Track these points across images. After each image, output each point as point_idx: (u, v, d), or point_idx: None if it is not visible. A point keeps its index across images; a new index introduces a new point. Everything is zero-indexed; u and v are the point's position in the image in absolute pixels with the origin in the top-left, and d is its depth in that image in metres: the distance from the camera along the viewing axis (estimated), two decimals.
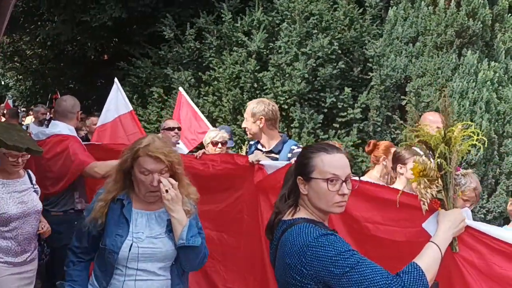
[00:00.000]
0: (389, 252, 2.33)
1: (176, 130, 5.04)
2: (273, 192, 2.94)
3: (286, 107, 6.95)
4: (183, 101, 6.35)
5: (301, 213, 1.87)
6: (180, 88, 6.34)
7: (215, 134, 4.80)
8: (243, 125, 3.69)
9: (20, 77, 17.86)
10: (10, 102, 18.89)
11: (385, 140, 6.82)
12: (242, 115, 7.32)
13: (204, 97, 7.96)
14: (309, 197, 1.84)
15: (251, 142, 3.84)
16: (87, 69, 12.77)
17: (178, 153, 2.50)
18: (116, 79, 5.92)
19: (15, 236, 3.18)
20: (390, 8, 7.43)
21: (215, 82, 7.89)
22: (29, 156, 3.06)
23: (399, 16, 7.20)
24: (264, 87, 7.21)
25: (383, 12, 7.81)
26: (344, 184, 1.81)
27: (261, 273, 3.14)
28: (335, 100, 6.80)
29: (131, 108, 5.49)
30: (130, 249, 2.28)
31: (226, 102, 7.60)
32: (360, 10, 7.53)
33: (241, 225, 3.35)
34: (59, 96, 14.03)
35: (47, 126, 7.24)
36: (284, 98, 6.90)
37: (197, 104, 8.11)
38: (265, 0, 8.00)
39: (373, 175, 3.97)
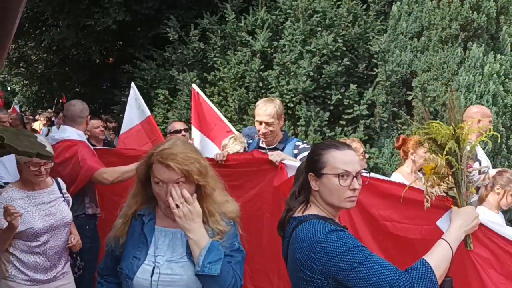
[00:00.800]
0: (405, 250, 2.34)
1: (183, 132, 4.92)
2: None
3: (291, 105, 6.95)
4: (200, 99, 5.78)
5: (312, 210, 1.88)
6: (194, 85, 5.93)
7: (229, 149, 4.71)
8: (271, 129, 3.54)
9: (26, 82, 17.97)
10: (17, 107, 19.01)
11: (392, 136, 6.82)
12: (248, 115, 7.37)
13: (209, 98, 7.95)
14: (320, 193, 1.85)
15: (249, 141, 3.83)
16: (92, 73, 12.83)
17: (204, 161, 2.07)
18: (133, 84, 5.86)
19: (43, 251, 3.00)
20: (393, 3, 7.41)
21: (220, 82, 7.90)
22: (51, 164, 2.95)
23: (403, 11, 7.18)
24: (270, 86, 7.21)
25: (386, 8, 7.79)
26: (355, 179, 1.83)
27: (285, 272, 3.14)
28: (340, 97, 6.79)
29: (149, 114, 5.40)
30: (151, 275, 1.94)
31: (231, 102, 7.61)
32: (364, 6, 7.52)
33: (262, 223, 3.32)
34: (66, 101, 14.12)
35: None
36: (289, 97, 6.90)
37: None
38: None
39: (404, 171, 3.95)
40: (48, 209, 3.05)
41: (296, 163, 3.09)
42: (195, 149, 2.07)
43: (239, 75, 7.58)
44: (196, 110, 5.64)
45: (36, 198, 3.05)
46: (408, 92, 6.80)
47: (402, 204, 2.39)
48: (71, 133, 3.61)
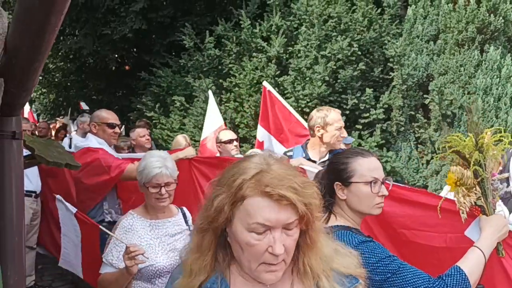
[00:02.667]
0: (427, 258, 2.33)
1: (235, 143, 4.53)
2: None
3: (307, 110, 6.97)
4: (273, 98, 5.27)
5: (336, 220, 1.89)
6: (265, 83, 5.54)
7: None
8: (325, 139, 3.37)
9: (44, 90, 18.23)
10: (34, 115, 19.29)
11: (409, 139, 6.80)
12: None
13: (225, 104, 8.03)
14: (348, 201, 1.87)
15: (288, 153, 3.55)
16: (108, 80, 13.00)
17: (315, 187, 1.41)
18: (210, 92, 5.88)
19: None
20: (408, 7, 7.41)
21: (236, 88, 7.96)
22: (174, 185, 2.59)
23: (418, 15, 7.18)
24: (285, 91, 7.25)
25: (401, 11, 7.79)
26: (382, 185, 1.85)
27: None
28: (356, 101, 6.80)
29: (222, 122, 5.38)
30: None
31: (247, 108, 7.65)
32: (379, 11, 7.53)
33: None
34: (82, 107, 14.29)
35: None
36: (305, 102, 6.93)
37: (218, 110, 8.23)
38: (282, 5, 8.04)
39: None
40: (172, 243, 2.58)
41: (315, 169, 3.11)
42: (293, 168, 1.31)
43: (255, 81, 7.63)
44: (266, 109, 5.24)
45: (159, 228, 2.61)
46: (425, 96, 6.79)
47: (421, 212, 2.40)
48: (92, 141, 3.64)
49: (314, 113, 3.47)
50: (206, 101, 8.07)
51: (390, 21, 7.54)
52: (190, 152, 3.72)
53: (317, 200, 1.26)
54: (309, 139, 3.53)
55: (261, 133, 5.20)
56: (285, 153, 3.58)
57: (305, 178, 1.28)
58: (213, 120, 5.47)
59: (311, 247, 1.30)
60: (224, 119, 7.99)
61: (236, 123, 7.83)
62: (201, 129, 8.34)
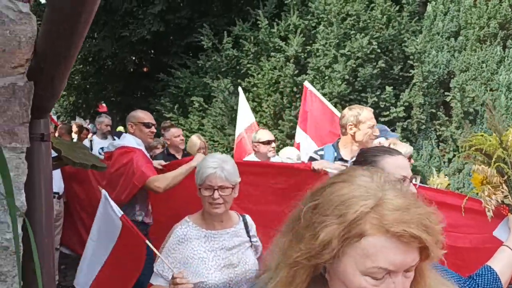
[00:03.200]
0: (452, 259, 2.29)
1: (273, 144, 4.46)
2: None
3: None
4: (313, 98, 5.11)
5: None
6: (306, 83, 5.38)
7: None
8: (358, 137, 3.32)
9: (64, 93, 18.47)
10: (54, 117, 19.57)
11: (430, 137, 6.72)
12: (283, 120, 7.40)
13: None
14: None
15: (319, 153, 3.51)
16: (127, 82, 13.12)
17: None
18: (240, 88, 5.91)
19: None
20: (428, 3, 7.32)
21: (255, 88, 7.96)
22: (231, 191, 2.29)
23: (438, 11, 7.09)
24: None
25: (420, 8, 7.70)
26: (411, 184, 1.83)
27: None
28: (376, 99, 6.75)
29: (254, 119, 5.33)
30: None
31: (266, 108, 7.66)
32: (397, 8, 7.46)
33: None
34: (104, 107, 14.41)
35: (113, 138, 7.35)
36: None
37: (237, 111, 8.24)
38: (300, 4, 8.02)
39: None
40: (228, 257, 2.32)
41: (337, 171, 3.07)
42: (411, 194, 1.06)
43: (273, 81, 7.63)
44: (305, 109, 5.09)
45: (215, 241, 2.33)
46: (446, 93, 6.70)
47: (445, 212, 2.35)
48: (129, 140, 3.63)
49: (346, 111, 3.45)
50: (224, 101, 8.11)
51: (409, 18, 7.46)
52: (199, 160, 3.62)
53: (442, 235, 1.05)
54: (340, 138, 3.52)
55: (299, 134, 5.13)
56: (316, 152, 3.56)
57: (428, 207, 1.03)
58: (244, 117, 5.46)
59: (420, 283, 1.08)
60: None
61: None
62: (219, 129, 8.39)
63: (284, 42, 7.69)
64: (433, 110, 6.78)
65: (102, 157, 4.43)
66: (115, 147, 3.65)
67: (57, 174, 5.03)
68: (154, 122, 3.87)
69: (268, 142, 4.42)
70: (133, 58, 12.04)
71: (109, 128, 7.78)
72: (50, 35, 1.55)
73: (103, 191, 2.98)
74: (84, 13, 1.44)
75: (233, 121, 8.30)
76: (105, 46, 11.37)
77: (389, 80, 7.09)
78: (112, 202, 2.93)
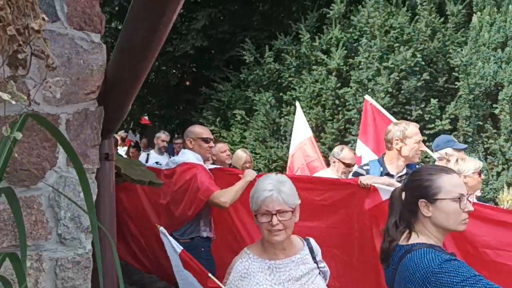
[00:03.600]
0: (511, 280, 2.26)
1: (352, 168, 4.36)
2: (384, 219, 2.89)
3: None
4: (374, 112, 5.06)
5: (418, 238, 1.88)
6: (367, 96, 5.31)
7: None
8: (404, 153, 3.31)
9: None
10: None
11: (478, 150, 6.57)
12: (326, 132, 7.41)
13: (285, 117, 8.11)
14: (433, 218, 1.85)
15: (365, 167, 3.53)
16: (170, 96, 13.43)
17: None
18: (297, 103, 5.78)
19: None
20: (473, 14, 7.20)
21: (296, 102, 8.00)
22: (291, 215, 2.05)
23: (484, 22, 6.95)
24: (347, 104, 7.23)
25: (466, 19, 7.58)
26: (467, 201, 1.84)
27: None
28: (421, 112, 6.67)
29: (311, 134, 5.25)
30: None
31: (308, 121, 7.66)
32: (442, 19, 7.37)
33: (353, 242, 3.26)
34: (148, 121, 14.77)
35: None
36: None
37: (278, 124, 8.33)
38: (341, 17, 8.04)
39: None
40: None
41: (389, 187, 2.99)
42: None
43: (315, 94, 7.66)
44: (366, 122, 5.04)
45: (281, 272, 2.11)
46: (494, 105, 6.55)
47: (506, 232, 2.33)
48: (190, 156, 3.62)
49: (391, 126, 3.45)
50: (266, 114, 8.19)
51: (455, 29, 7.35)
52: (251, 174, 3.52)
53: None
54: (384, 153, 3.51)
55: (359, 147, 5.06)
56: (361, 167, 3.56)
57: None
58: (301, 131, 5.37)
59: None
60: (285, 132, 8.09)
61: None
62: (261, 142, 8.47)
63: (325, 55, 7.72)
64: (480, 123, 6.63)
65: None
66: (175, 164, 3.63)
67: None
68: (212, 137, 3.84)
69: (349, 165, 4.37)
70: (176, 72, 12.33)
71: (165, 143, 7.74)
72: (122, 64, 1.67)
73: (161, 228, 2.99)
74: (153, 43, 1.55)
75: (274, 133, 8.38)
76: None
77: (433, 93, 7.00)
78: (170, 238, 2.93)
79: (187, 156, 3.62)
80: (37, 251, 1.62)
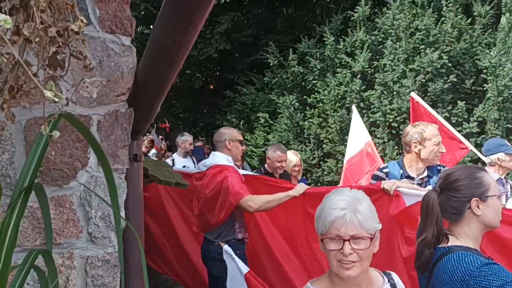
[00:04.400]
0: None
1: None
2: (409, 225, 2.85)
3: (395, 125, 6.85)
4: (421, 110, 4.91)
5: (457, 240, 1.85)
6: (413, 94, 5.11)
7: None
8: (423, 155, 3.24)
9: None
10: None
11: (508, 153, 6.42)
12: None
13: (309, 120, 8.09)
14: (483, 216, 1.81)
15: (384, 170, 3.45)
16: (194, 99, 13.57)
17: None
18: (354, 107, 5.47)
19: None
20: (502, 15, 7.06)
21: (320, 104, 7.99)
22: (369, 243, 1.60)
23: None
24: (372, 106, 7.17)
25: (494, 20, 7.44)
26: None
27: None
28: (448, 115, 6.56)
29: (369, 139, 4.93)
30: None
31: (332, 124, 7.65)
32: (469, 20, 7.25)
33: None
34: (168, 125, 14.94)
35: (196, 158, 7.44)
36: (393, 116, 6.81)
37: (302, 127, 8.32)
38: (366, 20, 7.99)
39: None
40: None
41: (413, 191, 2.95)
42: None
43: (340, 96, 7.63)
44: (415, 121, 4.90)
45: None
46: None
47: None
48: (221, 158, 3.62)
49: (410, 128, 3.37)
50: (290, 117, 8.19)
51: (482, 30, 7.22)
52: (303, 188, 3.42)
53: None
54: (404, 155, 3.45)
55: None
56: (381, 170, 3.50)
57: None
58: (360, 137, 5.00)
59: None
60: (309, 134, 8.07)
61: (321, 139, 7.85)
62: (285, 144, 8.45)
63: (350, 58, 7.68)
64: (509, 125, 6.49)
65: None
66: (207, 167, 3.63)
67: None
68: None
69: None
70: (200, 75, 12.45)
71: (192, 147, 7.50)
72: (151, 67, 1.70)
73: (225, 247, 2.98)
74: (182, 47, 1.57)
75: (298, 136, 8.37)
76: None
77: (461, 95, 6.88)
78: (236, 258, 2.88)
79: (219, 158, 3.62)
80: (69, 249, 1.66)
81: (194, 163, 6.67)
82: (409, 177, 3.27)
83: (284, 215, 3.58)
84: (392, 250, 3.03)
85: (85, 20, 0.88)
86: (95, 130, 1.71)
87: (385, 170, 3.43)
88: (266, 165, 4.95)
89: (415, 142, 3.26)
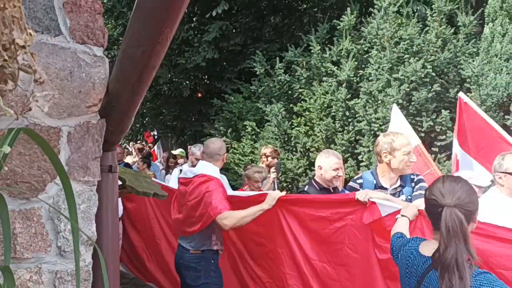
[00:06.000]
0: None
1: None
2: (381, 234, 2.88)
3: (380, 133, 6.87)
4: (469, 111, 4.68)
5: None
6: (461, 94, 4.90)
7: None
8: (393, 165, 3.24)
9: None
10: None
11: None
12: (336, 144, 7.38)
13: (296, 128, 8.10)
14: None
15: (358, 181, 3.44)
16: (182, 107, 13.53)
17: None
18: (395, 105, 4.97)
19: None
20: (485, 25, 7.15)
21: (307, 113, 8.01)
22: None
23: (496, 33, 6.90)
24: (357, 115, 7.20)
25: (477, 29, 7.53)
26: None
27: None
28: (432, 123, 6.60)
29: (419, 142, 4.53)
30: None
31: (318, 132, 7.67)
32: (453, 30, 7.33)
33: (341, 257, 3.22)
34: (150, 135, 14.80)
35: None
36: (378, 125, 6.84)
37: (289, 135, 8.31)
38: (352, 29, 8.05)
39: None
40: None
41: (388, 202, 2.95)
42: None
43: (325, 105, 7.65)
44: (462, 122, 4.72)
45: None
46: (506, 116, 6.46)
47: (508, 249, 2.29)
48: (208, 168, 3.66)
49: (380, 138, 3.36)
50: (278, 125, 8.19)
51: (466, 40, 7.30)
52: (274, 198, 3.40)
53: None
54: (377, 165, 3.46)
55: (456, 149, 4.80)
56: (354, 181, 3.49)
57: None
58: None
59: None
60: (296, 143, 8.07)
61: (307, 147, 7.86)
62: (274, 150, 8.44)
63: (336, 67, 7.72)
64: None
65: None
66: (194, 174, 3.66)
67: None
68: None
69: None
70: (189, 84, 12.44)
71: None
72: (123, 78, 1.68)
73: None
74: (152, 58, 1.56)
75: (285, 145, 8.36)
76: (162, 73, 11.83)
77: (445, 104, 6.93)
78: None
79: (207, 168, 3.64)
80: (37, 264, 1.63)
81: None
82: (382, 188, 3.27)
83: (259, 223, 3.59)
84: (369, 258, 3.05)
85: (33, 33, 0.87)
86: (65, 142, 1.69)
87: (359, 181, 3.43)
88: (316, 177, 3.96)
89: (385, 152, 3.25)
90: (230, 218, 3.32)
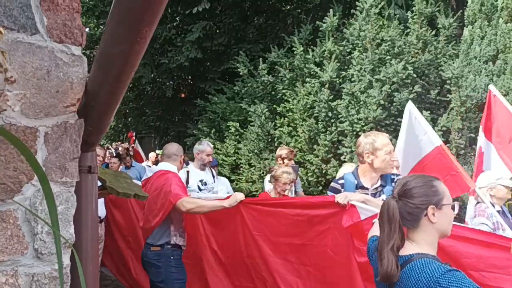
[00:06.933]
0: None
1: None
2: (360, 238, 2.90)
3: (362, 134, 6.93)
4: (497, 104, 4.59)
5: (416, 247, 1.86)
6: (491, 86, 4.77)
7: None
8: (376, 165, 3.21)
9: None
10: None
11: (470, 162, 6.57)
12: (318, 144, 7.42)
13: (279, 129, 8.12)
14: (438, 224, 1.83)
15: (339, 182, 3.44)
16: (165, 107, 13.47)
17: None
18: (410, 103, 4.57)
19: None
20: (465, 27, 7.26)
21: (290, 114, 8.03)
22: None
23: (475, 35, 7.01)
24: (339, 116, 7.24)
25: (457, 32, 7.64)
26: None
27: None
28: None
29: (440, 142, 4.15)
30: None
31: (301, 133, 7.69)
32: (433, 32, 7.42)
33: (325, 259, 3.25)
34: (133, 135, 14.68)
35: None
36: (360, 126, 6.89)
37: (273, 135, 8.34)
38: (334, 30, 8.10)
39: None
40: None
41: (368, 206, 2.98)
42: None
43: (308, 106, 7.68)
44: (490, 116, 4.64)
45: None
46: None
47: (489, 253, 2.32)
48: (167, 167, 3.88)
49: (361, 139, 3.34)
50: (261, 126, 8.20)
51: (446, 42, 7.41)
52: (236, 200, 3.54)
53: None
54: (358, 166, 3.48)
55: (482, 143, 4.71)
56: (336, 182, 3.51)
57: None
58: (426, 142, 4.22)
59: None
60: (279, 143, 8.09)
61: (291, 148, 7.88)
62: (256, 154, 8.46)
63: (319, 68, 7.75)
64: (472, 135, 6.64)
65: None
66: (153, 172, 3.91)
67: (100, 200, 5.19)
68: None
69: None
70: (172, 84, 12.39)
71: (211, 158, 5.46)
72: (101, 77, 1.66)
73: None
74: (131, 58, 1.54)
75: (269, 145, 8.38)
76: (145, 72, 11.76)
77: (426, 105, 7.02)
78: None
79: (165, 166, 3.89)
80: (13, 266, 1.60)
81: (213, 176, 5.50)
82: (363, 188, 3.28)
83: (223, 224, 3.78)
84: (342, 262, 3.09)
85: (3, 31, 0.85)
86: (42, 142, 1.66)
87: (340, 182, 3.44)
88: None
89: (367, 153, 3.26)
90: (190, 202, 3.51)
